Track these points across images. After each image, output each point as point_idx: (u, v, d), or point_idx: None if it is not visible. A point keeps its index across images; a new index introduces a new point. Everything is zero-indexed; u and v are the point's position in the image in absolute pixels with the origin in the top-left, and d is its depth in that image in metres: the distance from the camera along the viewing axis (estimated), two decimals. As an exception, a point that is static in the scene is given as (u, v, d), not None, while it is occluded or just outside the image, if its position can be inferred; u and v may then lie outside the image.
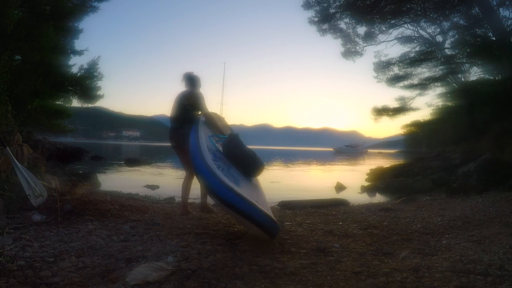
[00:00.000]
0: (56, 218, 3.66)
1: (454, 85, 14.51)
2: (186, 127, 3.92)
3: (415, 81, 14.90)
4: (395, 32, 15.64)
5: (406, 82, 15.11)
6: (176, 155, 4.43)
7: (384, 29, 15.31)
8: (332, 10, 14.63)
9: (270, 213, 3.03)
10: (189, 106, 4.05)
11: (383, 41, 15.65)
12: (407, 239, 3.56)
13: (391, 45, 15.90)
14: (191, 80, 4.22)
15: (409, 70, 15.00)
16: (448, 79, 14.18)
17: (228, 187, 2.85)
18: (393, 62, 15.83)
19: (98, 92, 14.31)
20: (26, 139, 6.79)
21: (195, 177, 3.83)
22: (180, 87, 4.35)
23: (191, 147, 3.53)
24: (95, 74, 14.12)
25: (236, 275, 2.45)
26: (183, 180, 4.42)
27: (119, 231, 3.42)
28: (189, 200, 4.60)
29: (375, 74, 16.37)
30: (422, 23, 15.25)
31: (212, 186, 2.98)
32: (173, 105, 4.18)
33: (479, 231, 3.76)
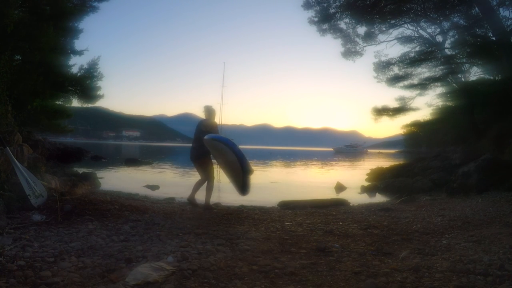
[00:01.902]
0: (56, 218, 3.66)
1: (454, 85, 14.50)
2: (205, 146, 5.04)
3: (415, 81, 14.90)
4: (395, 32, 15.63)
5: (406, 82, 15.11)
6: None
7: (384, 29, 15.31)
8: (332, 10, 14.62)
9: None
10: (206, 132, 5.09)
11: (383, 41, 15.64)
12: (407, 239, 3.57)
13: (391, 45, 15.90)
14: (209, 112, 5.40)
15: (409, 70, 15.00)
16: (448, 79, 14.18)
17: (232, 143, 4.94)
18: (393, 62, 15.82)
19: (98, 92, 14.32)
20: (26, 139, 6.79)
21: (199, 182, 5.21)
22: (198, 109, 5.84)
23: (221, 138, 5.10)
24: (95, 74, 14.13)
25: (236, 275, 2.46)
26: (195, 182, 5.32)
27: (119, 231, 3.42)
28: (183, 200, 4.99)
29: (375, 74, 16.37)
30: (422, 23, 15.25)
31: (226, 141, 4.95)
32: (195, 130, 5.32)
33: (479, 231, 3.76)
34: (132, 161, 20.21)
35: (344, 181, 11.15)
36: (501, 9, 12.49)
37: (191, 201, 5.25)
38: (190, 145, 5.52)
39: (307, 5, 14.65)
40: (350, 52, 15.93)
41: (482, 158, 7.51)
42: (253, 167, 5.23)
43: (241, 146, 5.20)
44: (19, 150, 4.82)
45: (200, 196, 5.32)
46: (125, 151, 46.62)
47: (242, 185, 4.99)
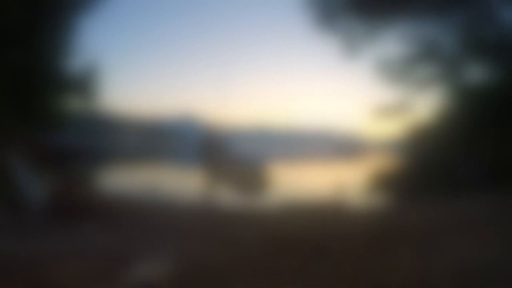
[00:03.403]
0: (56, 218, 3.66)
1: (454, 85, 14.48)
2: None
3: (415, 81, 14.88)
4: (395, 32, 15.63)
5: (406, 82, 15.09)
6: None
7: (384, 28, 15.30)
8: (332, 10, 14.61)
9: None
10: None
11: (383, 41, 15.64)
12: (407, 239, 3.56)
13: (391, 45, 15.89)
14: None
15: (409, 69, 14.98)
16: (448, 79, 14.16)
17: None
18: (393, 62, 15.81)
19: (98, 92, 14.30)
20: (25, 139, 6.77)
21: None
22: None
23: None
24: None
25: (236, 275, 2.45)
26: None
27: (119, 231, 3.42)
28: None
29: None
30: (422, 23, 15.24)
31: None
32: None
33: (479, 231, 3.76)
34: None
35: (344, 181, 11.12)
36: (501, 9, 12.46)
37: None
38: None
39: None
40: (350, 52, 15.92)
41: (482, 158, 7.51)
42: None
43: None
44: (19, 150, 4.81)
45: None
46: (125, 151, 46.52)
47: None
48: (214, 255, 2.86)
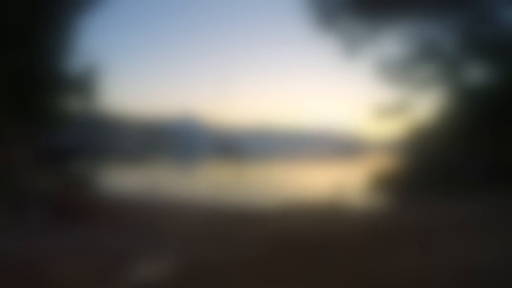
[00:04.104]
0: (56, 218, 3.66)
1: (454, 85, 14.46)
2: None
3: (415, 81, 14.85)
4: (395, 32, 15.60)
5: (406, 82, 15.07)
6: None
7: (383, 29, 15.28)
8: (332, 10, 14.59)
9: None
10: None
11: (383, 41, 15.62)
12: (407, 239, 3.56)
13: (391, 45, 15.87)
14: None
15: (409, 69, 14.96)
16: (448, 79, 14.13)
17: None
18: (393, 62, 15.78)
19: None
20: (26, 139, 6.77)
21: None
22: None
23: None
24: (95, 74, 14.09)
25: (236, 275, 2.46)
26: None
27: (119, 231, 3.42)
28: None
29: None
30: (422, 23, 15.21)
31: None
32: None
33: (479, 231, 3.77)
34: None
35: (344, 181, 11.11)
36: (502, 9, 12.43)
37: None
38: None
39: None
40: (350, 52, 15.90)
41: (483, 158, 7.49)
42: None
43: None
44: (20, 149, 4.82)
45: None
46: (125, 150, 46.49)
47: None
48: (215, 255, 2.87)
